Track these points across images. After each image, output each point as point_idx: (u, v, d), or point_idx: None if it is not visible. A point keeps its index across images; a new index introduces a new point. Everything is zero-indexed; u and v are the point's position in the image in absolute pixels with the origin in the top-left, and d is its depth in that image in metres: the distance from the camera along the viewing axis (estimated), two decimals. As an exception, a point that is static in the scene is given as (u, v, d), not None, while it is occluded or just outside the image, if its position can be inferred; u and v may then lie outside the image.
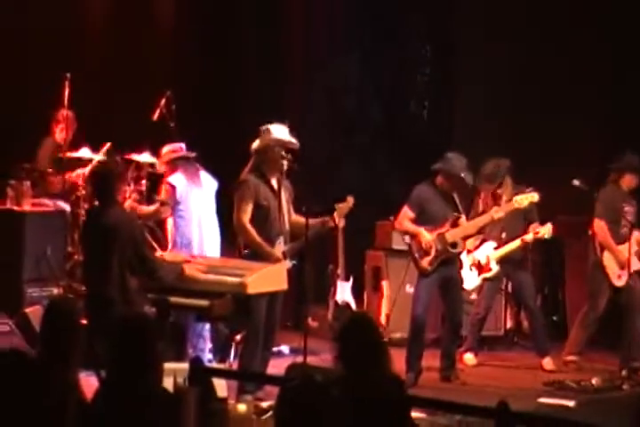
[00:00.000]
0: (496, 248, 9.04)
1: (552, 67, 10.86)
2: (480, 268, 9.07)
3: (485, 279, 9.11)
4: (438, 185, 8.39)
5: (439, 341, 8.90)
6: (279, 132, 7.45)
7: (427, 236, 8.29)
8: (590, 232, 9.01)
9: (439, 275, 8.32)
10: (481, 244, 9.10)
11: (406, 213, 8.42)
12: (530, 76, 10.92)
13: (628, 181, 8.90)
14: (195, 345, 8.03)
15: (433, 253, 8.29)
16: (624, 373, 8.60)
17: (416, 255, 8.35)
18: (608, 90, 10.86)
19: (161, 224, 8.60)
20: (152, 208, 8.32)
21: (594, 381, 8.24)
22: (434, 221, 8.35)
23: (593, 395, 8.02)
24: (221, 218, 8.41)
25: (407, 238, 8.52)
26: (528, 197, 8.51)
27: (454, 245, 8.34)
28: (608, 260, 8.84)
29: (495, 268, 9.02)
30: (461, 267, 8.84)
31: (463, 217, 8.45)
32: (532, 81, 10.91)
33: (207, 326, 8.07)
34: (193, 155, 8.44)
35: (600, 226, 8.88)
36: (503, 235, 8.99)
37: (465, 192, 8.67)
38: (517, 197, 8.52)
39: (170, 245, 8.25)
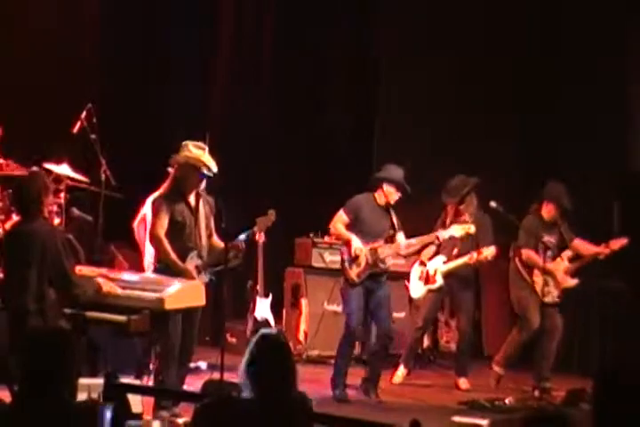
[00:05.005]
0: (445, 262, 9.10)
1: (468, 93, 11.03)
2: (427, 279, 9.14)
3: (430, 291, 9.16)
4: (377, 198, 8.46)
5: (358, 357, 8.95)
6: (197, 150, 7.40)
7: (357, 242, 8.33)
8: (512, 254, 9.12)
9: (366, 288, 8.35)
10: (434, 256, 9.17)
11: (341, 216, 8.46)
12: (448, 103, 11.09)
13: (547, 211, 9.00)
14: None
15: (363, 264, 8.34)
16: (536, 393, 8.73)
17: (346, 264, 8.38)
18: (530, 117, 11.08)
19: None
20: None
21: (507, 400, 8.33)
22: (368, 233, 8.39)
23: (506, 414, 8.10)
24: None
25: (340, 244, 8.60)
26: (465, 228, 8.61)
27: (384, 260, 8.43)
28: (537, 276, 8.94)
29: (440, 281, 9.08)
30: (409, 279, 9.06)
31: (400, 234, 8.49)
32: (446, 108, 11.08)
33: None
34: None
35: (528, 255, 8.97)
36: (454, 251, 9.06)
37: (405, 202, 8.71)
38: (457, 226, 8.64)
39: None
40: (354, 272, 8.35)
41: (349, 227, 8.42)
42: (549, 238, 8.99)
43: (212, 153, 7.49)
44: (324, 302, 9.81)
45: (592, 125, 10.60)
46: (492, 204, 9.01)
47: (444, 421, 7.58)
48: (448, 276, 9.07)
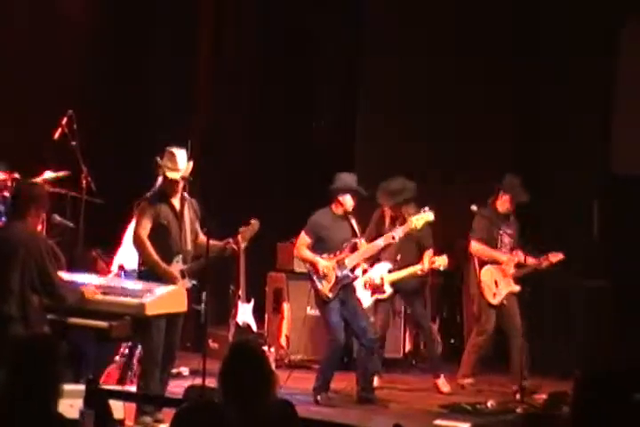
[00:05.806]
0: (391, 271, 9.03)
1: (463, 94, 11.07)
2: (373, 288, 9.04)
3: (378, 300, 9.12)
4: (335, 210, 8.51)
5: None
6: (170, 157, 7.41)
7: (323, 262, 8.43)
8: (469, 251, 9.16)
9: (340, 300, 8.46)
10: (375, 263, 9.04)
11: (303, 238, 8.56)
12: (439, 104, 11.11)
13: (502, 203, 9.07)
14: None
15: (333, 279, 8.40)
16: (518, 396, 8.73)
17: (317, 283, 8.44)
18: (512, 119, 11.13)
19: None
20: None
21: (489, 403, 8.34)
22: (332, 247, 8.48)
23: (488, 417, 8.13)
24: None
25: (308, 266, 8.60)
26: (424, 217, 8.53)
27: (354, 269, 8.47)
28: (485, 276, 8.98)
29: (389, 290, 8.99)
30: (354, 290, 8.75)
31: (362, 240, 8.54)
32: (443, 109, 11.09)
33: None
34: None
35: (475, 247, 9.05)
36: (398, 257, 8.97)
37: (361, 207, 8.72)
38: (414, 217, 8.56)
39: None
40: (326, 288, 8.43)
41: (314, 245, 8.50)
42: (506, 229, 9.03)
43: (194, 157, 7.52)
44: (307, 307, 9.80)
45: (577, 126, 10.64)
46: (473, 207, 9.02)
47: (426, 425, 7.60)
48: (397, 287, 8.98)
